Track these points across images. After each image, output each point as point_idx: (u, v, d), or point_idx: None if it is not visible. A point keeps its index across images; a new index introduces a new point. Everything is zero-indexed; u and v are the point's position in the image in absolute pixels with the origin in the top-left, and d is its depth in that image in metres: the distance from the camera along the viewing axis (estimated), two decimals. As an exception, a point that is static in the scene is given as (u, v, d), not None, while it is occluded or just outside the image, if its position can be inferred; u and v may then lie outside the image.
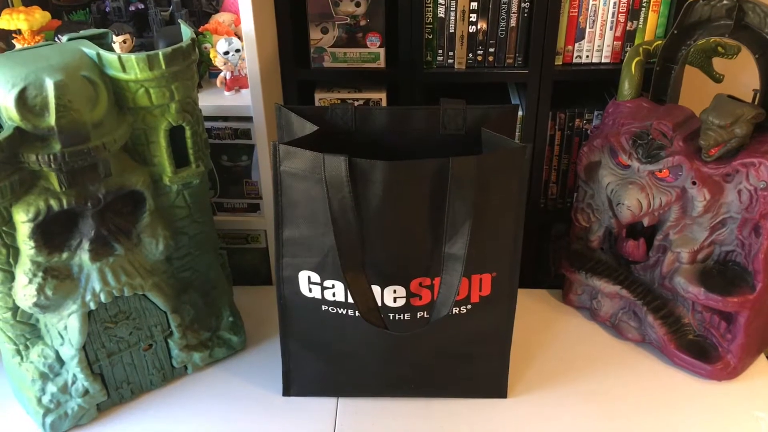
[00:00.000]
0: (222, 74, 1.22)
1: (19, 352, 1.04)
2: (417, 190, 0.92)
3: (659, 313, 1.17)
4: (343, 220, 0.92)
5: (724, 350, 1.13)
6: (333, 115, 1.05)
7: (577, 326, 1.27)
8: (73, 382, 1.05)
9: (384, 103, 1.32)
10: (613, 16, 1.24)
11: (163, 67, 0.95)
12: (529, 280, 1.47)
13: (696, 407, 1.11)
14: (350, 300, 0.99)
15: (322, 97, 1.32)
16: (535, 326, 1.26)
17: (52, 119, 0.88)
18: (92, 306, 1.00)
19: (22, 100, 0.87)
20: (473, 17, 1.25)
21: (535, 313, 1.29)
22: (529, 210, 0.98)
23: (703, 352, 1.15)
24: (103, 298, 1.00)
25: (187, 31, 1.01)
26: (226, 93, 1.24)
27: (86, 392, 1.06)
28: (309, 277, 1.00)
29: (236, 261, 1.38)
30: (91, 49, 0.94)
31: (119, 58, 0.93)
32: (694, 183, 1.06)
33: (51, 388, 1.05)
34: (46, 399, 1.05)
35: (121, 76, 0.94)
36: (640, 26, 1.25)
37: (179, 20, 1.05)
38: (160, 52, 0.94)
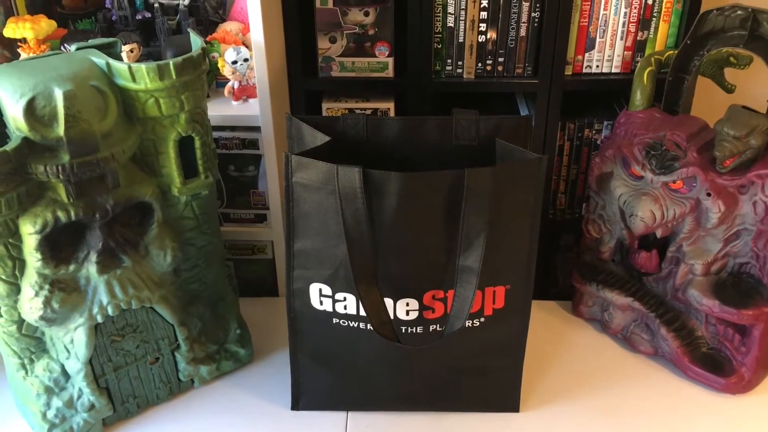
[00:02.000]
0: (230, 84, 1.21)
1: (23, 365, 1.03)
2: (431, 201, 0.91)
3: (672, 325, 1.16)
4: (357, 232, 0.91)
5: (738, 363, 1.12)
6: (345, 126, 1.03)
7: (588, 339, 1.26)
8: (79, 397, 1.03)
9: (392, 113, 1.31)
10: (623, 26, 1.24)
11: (174, 77, 0.93)
12: (536, 291, 1.45)
13: (710, 421, 1.09)
14: (362, 313, 0.98)
15: (329, 107, 1.31)
16: (545, 339, 1.24)
17: (60, 130, 0.87)
18: (99, 319, 0.98)
19: (30, 110, 0.86)
20: (483, 27, 1.24)
21: (545, 325, 1.28)
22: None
23: (716, 366, 1.14)
24: (110, 311, 0.98)
25: (197, 41, 0.99)
26: (234, 102, 1.23)
27: (92, 407, 1.04)
28: (320, 290, 0.99)
29: (242, 272, 1.36)
30: (100, 59, 0.93)
31: (129, 67, 0.91)
32: (708, 194, 1.05)
33: (56, 402, 1.03)
34: (51, 414, 1.03)
35: (131, 86, 0.93)
36: (651, 36, 1.25)
37: (189, 29, 1.04)
38: (171, 62, 0.93)
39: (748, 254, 1.08)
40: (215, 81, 1.26)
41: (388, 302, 0.97)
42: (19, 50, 1.17)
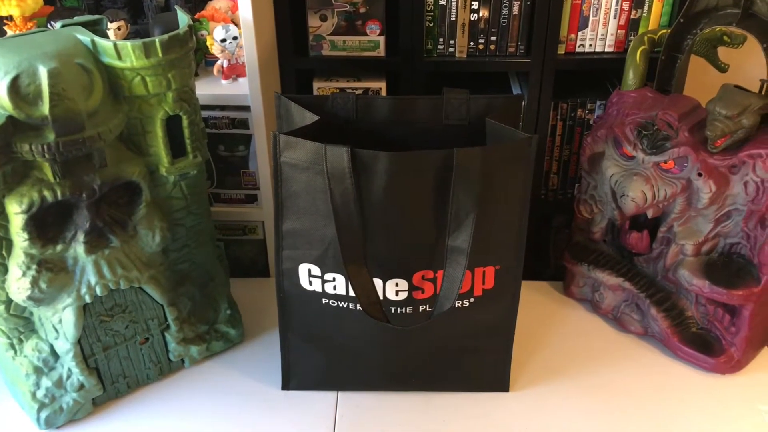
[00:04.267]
0: (219, 62, 1.20)
1: (12, 345, 1.02)
2: (420, 181, 0.90)
3: (662, 305, 1.16)
4: (345, 212, 0.91)
5: (728, 343, 1.12)
6: (334, 105, 1.03)
7: (579, 319, 1.26)
8: (68, 377, 1.03)
9: (383, 93, 1.30)
10: (617, 5, 1.23)
11: (160, 54, 0.92)
12: (528, 272, 1.45)
13: (699, 401, 1.10)
14: (351, 293, 0.97)
15: (320, 86, 1.30)
16: (536, 319, 1.24)
17: (45, 108, 0.86)
18: (87, 299, 0.98)
19: (14, 88, 0.85)
20: (475, 5, 1.23)
21: (536, 305, 1.28)
22: (530, 201, 0.97)
23: (706, 346, 1.14)
24: (98, 291, 0.98)
25: (184, 18, 0.98)
26: (223, 81, 1.21)
27: (81, 386, 1.04)
28: (309, 270, 0.98)
29: (233, 252, 1.36)
30: (85, 36, 0.92)
31: (115, 45, 0.90)
32: (700, 174, 1.04)
33: (45, 382, 1.03)
34: (40, 393, 1.03)
35: (117, 63, 0.92)
36: (644, 15, 1.24)
37: (176, 6, 1.03)
38: (157, 40, 0.91)
39: (739, 234, 1.08)
40: (204, 59, 1.25)
41: (378, 282, 0.97)
42: (5, 28, 1.16)
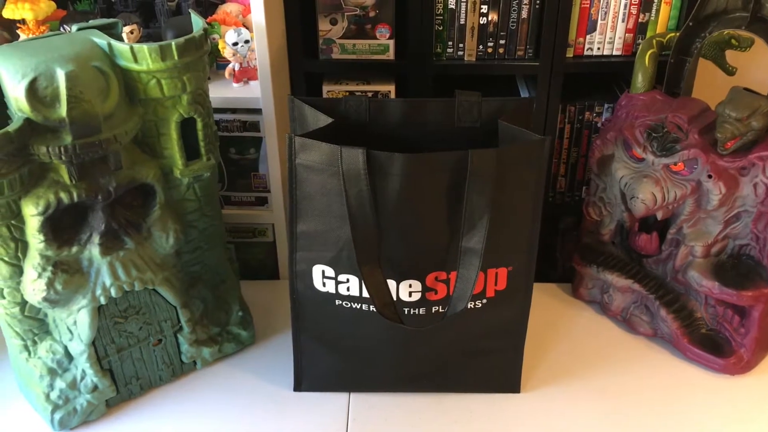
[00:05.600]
0: (230, 65, 1.21)
1: (26, 347, 1.03)
2: (435, 183, 0.91)
3: (672, 307, 1.17)
4: (360, 214, 0.91)
5: (738, 344, 1.13)
6: (347, 107, 1.03)
7: (588, 321, 1.27)
8: (82, 378, 1.04)
9: (392, 96, 1.31)
10: (625, 8, 1.24)
11: (176, 57, 0.93)
12: (536, 274, 1.46)
13: (709, 402, 1.10)
14: (365, 294, 0.98)
15: (330, 89, 1.31)
16: (545, 321, 1.25)
17: (63, 110, 0.86)
18: (102, 301, 0.98)
19: (32, 90, 0.85)
20: (484, 8, 1.24)
21: (545, 307, 1.29)
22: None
23: (716, 347, 1.14)
24: (113, 292, 0.98)
25: (198, 22, 0.99)
26: (235, 84, 1.22)
27: (95, 388, 1.04)
28: (323, 272, 0.99)
29: (242, 255, 1.36)
30: (101, 39, 0.92)
31: (131, 48, 0.91)
32: (709, 176, 1.05)
33: (59, 384, 1.03)
34: (54, 395, 1.03)
35: (133, 66, 0.92)
36: (653, 18, 1.25)
37: (190, 10, 1.03)
38: (173, 43, 0.92)
39: (748, 236, 1.08)
40: (216, 63, 1.26)
41: (391, 284, 0.97)
42: (19, 31, 1.17)
